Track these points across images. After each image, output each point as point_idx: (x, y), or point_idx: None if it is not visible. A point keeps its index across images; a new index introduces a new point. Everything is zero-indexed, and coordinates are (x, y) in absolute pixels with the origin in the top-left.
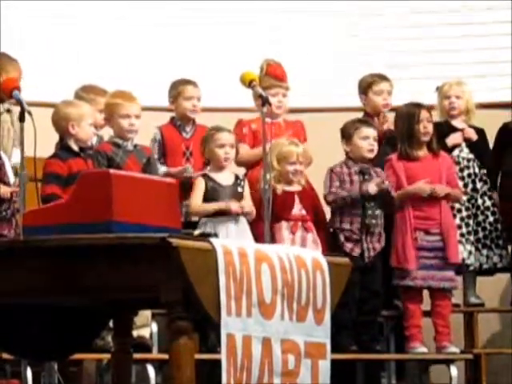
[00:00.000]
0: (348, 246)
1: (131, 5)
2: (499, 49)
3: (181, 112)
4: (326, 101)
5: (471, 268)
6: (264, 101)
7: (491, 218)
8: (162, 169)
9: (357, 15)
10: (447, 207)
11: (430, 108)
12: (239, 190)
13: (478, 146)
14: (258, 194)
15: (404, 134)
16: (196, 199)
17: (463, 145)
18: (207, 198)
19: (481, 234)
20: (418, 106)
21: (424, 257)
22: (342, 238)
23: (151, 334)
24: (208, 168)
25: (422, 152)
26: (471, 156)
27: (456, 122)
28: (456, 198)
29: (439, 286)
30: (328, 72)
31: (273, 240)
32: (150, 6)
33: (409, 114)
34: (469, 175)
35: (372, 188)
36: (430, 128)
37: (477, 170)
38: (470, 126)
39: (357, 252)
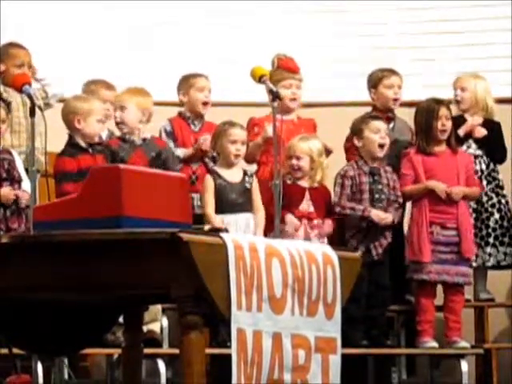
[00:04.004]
0: (353, 242)
1: (142, 1)
2: None
3: (192, 104)
4: (333, 95)
5: (474, 264)
6: (274, 96)
7: (497, 216)
8: (178, 151)
9: (365, 11)
10: (464, 202)
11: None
12: (247, 186)
13: (489, 140)
14: (269, 189)
15: (422, 129)
16: (208, 205)
17: (471, 141)
18: (216, 195)
19: (484, 232)
20: (438, 102)
21: (439, 251)
22: (347, 234)
23: (162, 329)
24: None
25: (440, 148)
26: (479, 152)
27: (469, 116)
28: (474, 197)
29: (454, 280)
30: (336, 67)
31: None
32: (161, 3)
33: (428, 110)
34: (475, 172)
35: (375, 218)
36: (449, 125)
37: (483, 167)
38: (485, 120)
39: (361, 249)
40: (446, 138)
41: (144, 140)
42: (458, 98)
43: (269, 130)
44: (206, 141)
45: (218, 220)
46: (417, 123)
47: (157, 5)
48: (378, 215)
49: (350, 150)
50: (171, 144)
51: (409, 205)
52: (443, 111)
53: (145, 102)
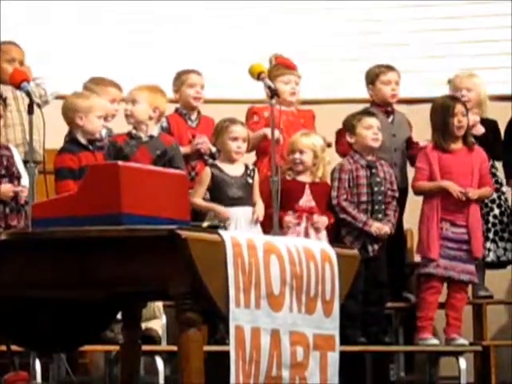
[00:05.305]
0: (348, 239)
1: (142, 1)
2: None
3: (184, 100)
4: (332, 92)
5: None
6: (272, 93)
7: (496, 211)
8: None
9: (363, 9)
10: (475, 202)
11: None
12: (249, 180)
13: (488, 138)
14: (268, 183)
15: (438, 126)
16: (196, 195)
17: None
18: (215, 188)
19: (484, 227)
20: (454, 99)
21: (448, 247)
22: (343, 231)
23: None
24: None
25: (456, 145)
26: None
27: (470, 114)
28: (486, 197)
29: (459, 277)
30: (334, 65)
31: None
32: (161, 2)
33: (444, 107)
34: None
35: (374, 230)
36: (465, 122)
37: None
38: (483, 119)
39: (357, 246)
40: (463, 134)
41: (151, 137)
42: (464, 98)
43: (268, 133)
44: (203, 144)
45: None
46: (433, 120)
47: (157, 2)
48: (378, 228)
49: (340, 141)
50: None
51: (415, 201)
52: (459, 108)
53: (157, 99)
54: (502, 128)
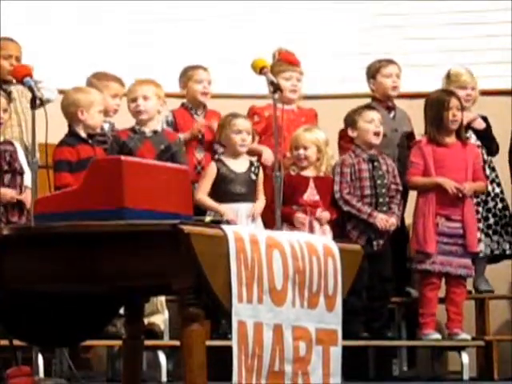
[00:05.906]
0: (354, 234)
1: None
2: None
3: (191, 95)
4: (333, 88)
5: (481, 255)
6: (275, 87)
7: (500, 205)
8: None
9: (365, 5)
10: (470, 197)
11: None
12: (252, 177)
13: (484, 133)
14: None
15: (433, 120)
16: (201, 190)
17: (471, 132)
18: (219, 184)
19: (491, 221)
20: (449, 93)
21: (444, 242)
22: (348, 226)
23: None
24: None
25: (450, 139)
26: (479, 143)
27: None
28: (480, 192)
29: (456, 272)
30: (336, 60)
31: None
32: (161, 1)
33: (438, 101)
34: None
35: (379, 224)
36: (459, 116)
37: (485, 157)
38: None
39: (362, 240)
40: (457, 128)
41: (155, 132)
42: (469, 97)
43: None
44: (214, 124)
45: (220, 209)
46: (427, 114)
47: (157, 3)
48: (383, 221)
49: (344, 138)
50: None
51: (411, 196)
52: (454, 102)
53: (161, 92)
54: (503, 123)
